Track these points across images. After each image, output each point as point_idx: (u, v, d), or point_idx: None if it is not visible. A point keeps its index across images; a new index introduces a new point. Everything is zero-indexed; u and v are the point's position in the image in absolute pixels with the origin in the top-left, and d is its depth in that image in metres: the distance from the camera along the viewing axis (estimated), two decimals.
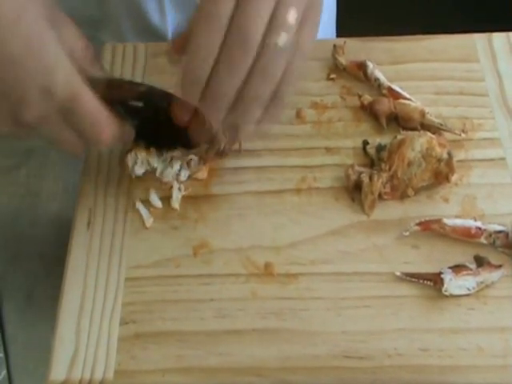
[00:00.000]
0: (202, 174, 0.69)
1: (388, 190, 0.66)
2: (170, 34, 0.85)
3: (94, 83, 0.60)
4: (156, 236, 0.66)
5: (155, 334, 0.60)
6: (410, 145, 0.65)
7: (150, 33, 0.84)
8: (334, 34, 1.01)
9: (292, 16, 0.57)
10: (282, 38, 0.57)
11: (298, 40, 0.58)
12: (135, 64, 0.77)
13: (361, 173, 0.67)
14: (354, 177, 0.67)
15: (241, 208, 0.67)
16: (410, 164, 0.65)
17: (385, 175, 0.66)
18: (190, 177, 0.68)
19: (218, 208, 0.67)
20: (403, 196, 0.66)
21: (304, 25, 0.59)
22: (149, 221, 0.66)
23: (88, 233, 0.65)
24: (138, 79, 0.75)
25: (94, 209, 0.67)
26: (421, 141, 0.65)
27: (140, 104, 0.63)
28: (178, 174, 0.68)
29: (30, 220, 0.71)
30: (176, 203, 0.67)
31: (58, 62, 0.57)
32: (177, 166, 0.68)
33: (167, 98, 0.62)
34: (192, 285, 0.62)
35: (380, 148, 0.68)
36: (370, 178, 0.66)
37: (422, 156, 0.65)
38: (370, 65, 0.74)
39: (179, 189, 0.68)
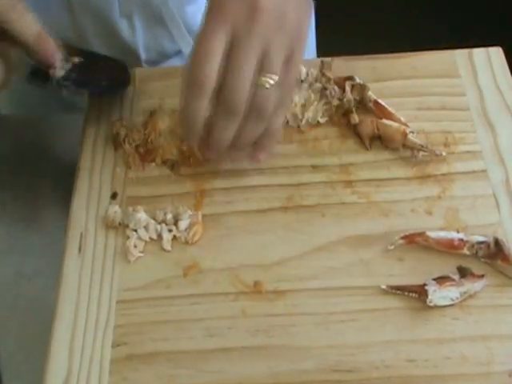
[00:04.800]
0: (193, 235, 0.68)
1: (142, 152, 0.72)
2: (140, 50, 0.87)
3: None
4: (146, 258, 0.67)
5: (146, 355, 0.61)
6: (161, 117, 0.73)
7: (122, 50, 0.86)
8: (315, 53, 1.03)
9: (278, 59, 0.61)
10: (271, 80, 0.61)
11: (284, 78, 0.62)
12: None
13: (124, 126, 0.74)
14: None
15: (229, 228, 0.68)
16: (160, 134, 0.72)
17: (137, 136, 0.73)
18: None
19: (207, 228, 0.68)
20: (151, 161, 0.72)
21: (289, 62, 0.62)
22: (140, 245, 0.67)
23: (79, 257, 0.67)
24: (128, 103, 0.77)
25: (85, 233, 0.68)
26: (165, 118, 0.73)
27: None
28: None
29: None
30: (167, 245, 0.67)
31: None
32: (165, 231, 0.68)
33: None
34: (182, 305, 0.64)
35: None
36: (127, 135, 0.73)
37: (169, 131, 0.71)
38: (357, 79, 0.75)
39: (169, 230, 0.68)
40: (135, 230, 0.68)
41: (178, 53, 0.90)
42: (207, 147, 0.66)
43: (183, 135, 0.69)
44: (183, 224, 0.68)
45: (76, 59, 0.68)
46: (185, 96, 0.62)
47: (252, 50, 0.60)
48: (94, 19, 0.84)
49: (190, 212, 0.69)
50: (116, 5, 0.82)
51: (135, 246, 0.67)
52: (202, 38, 0.61)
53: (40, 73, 0.68)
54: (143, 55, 0.88)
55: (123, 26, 0.85)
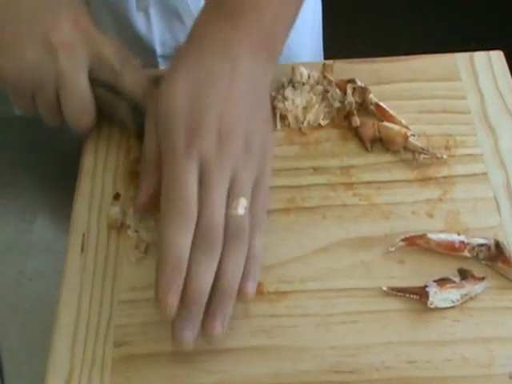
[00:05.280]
0: None
1: None
2: (156, 45, 0.88)
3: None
4: (149, 258, 0.67)
5: (149, 354, 0.61)
6: None
7: (137, 45, 0.87)
8: (322, 56, 1.03)
9: (248, 183, 0.61)
10: (243, 206, 0.60)
11: (255, 201, 0.62)
12: None
13: None
14: None
15: None
16: None
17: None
18: None
19: None
20: None
21: (258, 186, 0.62)
22: (142, 246, 0.68)
23: (82, 257, 0.67)
24: None
25: (88, 234, 0.68)
26: None
27: None
28: None
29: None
30: None
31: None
32: None
33: None
34: None
35: None
36: None
37: None
38: (358, 82, 0.76)
39: None
40: (137, 231, 0.68)
41: None
42: (184, 307, 0.57)
43: (162, 291, 0.57)
44: None
45: None
46: (165, 233, 0.58)
47: (222, 178, 0.59)
48: (110, 12, 0.84)
49: None
50: None
51: (137, 247, 0.67)
52: (173, 175, 0.59)
53: None
54: (159, 50, 0.89)
55: (139, 20, 0.85)
